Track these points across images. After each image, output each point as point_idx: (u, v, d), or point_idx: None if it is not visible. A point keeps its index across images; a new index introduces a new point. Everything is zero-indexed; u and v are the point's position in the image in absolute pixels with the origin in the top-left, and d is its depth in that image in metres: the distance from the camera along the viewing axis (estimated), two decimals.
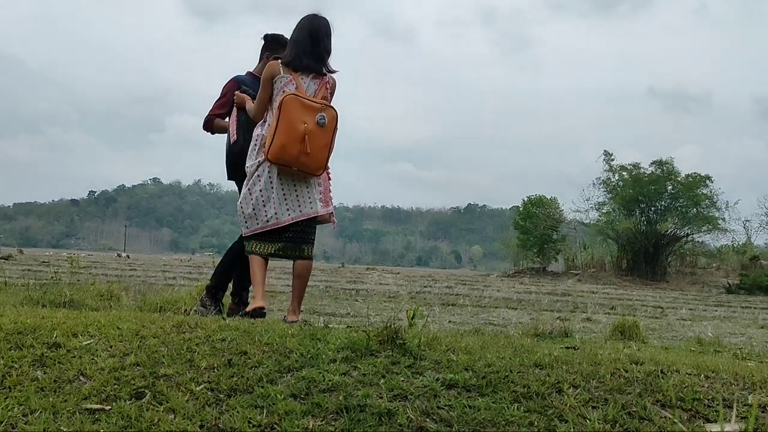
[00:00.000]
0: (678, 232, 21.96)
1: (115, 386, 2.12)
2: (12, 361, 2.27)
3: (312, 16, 3.62)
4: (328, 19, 3.65)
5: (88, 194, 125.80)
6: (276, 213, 3.54)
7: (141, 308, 4.69)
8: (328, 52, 3.62)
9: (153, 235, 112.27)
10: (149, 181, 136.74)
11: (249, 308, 3.59)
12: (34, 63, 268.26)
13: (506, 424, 2.01)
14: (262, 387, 2.15)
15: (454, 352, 2.56)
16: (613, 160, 23.14)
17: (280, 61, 3.60)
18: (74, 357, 2.33)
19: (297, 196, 3.56)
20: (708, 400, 2.24)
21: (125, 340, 2.51)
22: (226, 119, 4.02)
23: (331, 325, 3.38)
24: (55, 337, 2.47)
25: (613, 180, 23.04)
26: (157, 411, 1.99)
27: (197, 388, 2.13)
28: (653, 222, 22.01)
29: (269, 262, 3.71)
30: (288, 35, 3.72)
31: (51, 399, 2.03)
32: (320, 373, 2.25)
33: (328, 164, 3.76)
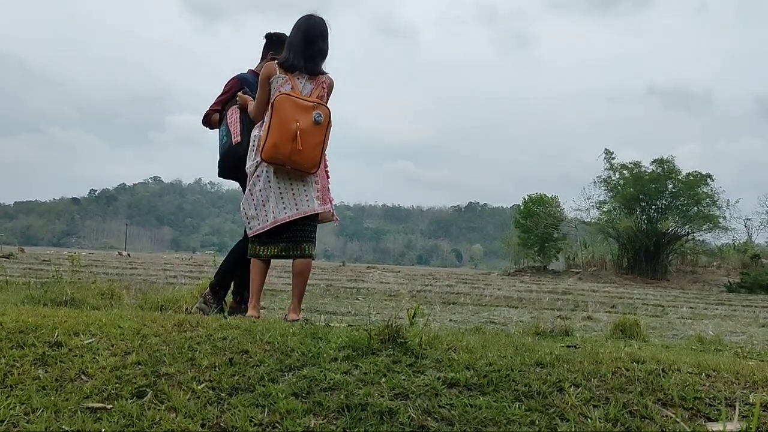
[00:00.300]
0: (679, 230, 21.94)
1: (117, 385, 2.12)
2: (14, 360, 2.27)
3: (307, 17, 3.64)
4: (325, 19, 3.66)
5: (89, 193, 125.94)
6: (274, 212, 3.56)
7: (142, 307, 4.70)
8: (322, 53, 3.64)
9: (154, 233, 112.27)
10: (150, 180, 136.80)
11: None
12: (34, 62, 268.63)
13: (507, 422, 2.01)
14: (264, 386, 2.15)
15: (456, 350, 2.56)
16: (613, 158, 23.14)
17: (276, 61, 3.62)
18: (76, 356, 2.33)
19: (294, 194, 3.58)
20: (709, 399, 2.24)
21: (127, 338, 2.51)
22: (227, 117, 4.03)
23: (332, 324, 3.39)
24: (57, 336, 2.47)
25: (613, 178, 23.03)
26: (159, 410, 1.99)
27: (199, 387, 2.13)
28: (654, 220, 21.99)
29: (270, 261, 3.72)
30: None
31: (53, 398, 2.03)
32: (321, 371, 2.26)
33: (327, 162, 3.78)
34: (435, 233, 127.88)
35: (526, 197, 25.59)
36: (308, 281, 3.78)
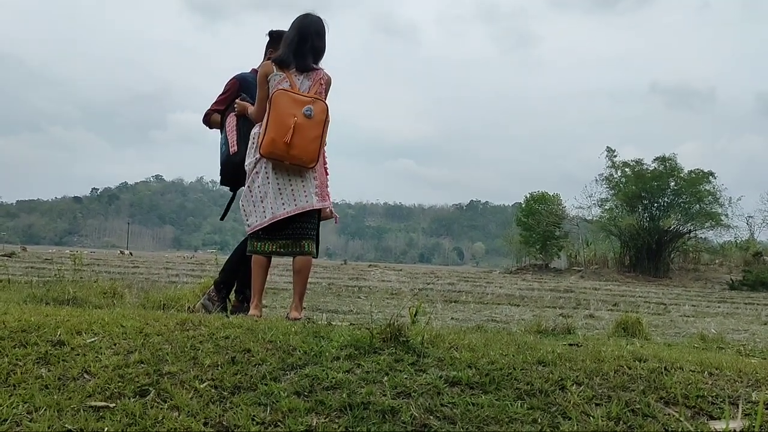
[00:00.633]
0: (681, 228, 21.91)
1: (119, 384, 2.12)
2: (16, 359, 2.27)
3: (303, 16, 3.69)
4: (322, 18, 3.70)
5: (91, 191, 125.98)
6: (272, 207, 3.57)
7: (144, 306, 4.71)
8: (317, 50, 3.67)
9: (156, 232, 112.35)
10: (152, 179, 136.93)
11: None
12: (35, 62, 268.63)
13: (510, 421, 2.01)
14: (266, 384, 2.15)
15: (457, 349, 2.56)
16: (615, 156, 23.12)
17: (271, 60, 3.66)
18: (78, 355, 2.33)
19: (292, 190, 3.60)
20: (712, 397, 2.24)
21: (129, 337, 2.51)
22: (226, 125, 4.06)
23: (334, 323, 3.39)
24: (59, 335, 2.47)
25: (615, 176, 23.01)
26: (161, 408, 1.99)
27: (201, 386, 2.13)
28: (656, 218, 21.96)
29: (271, 259, 3.72)
30: None
31: (55, 397, 2.03)
32: (324, 370, 2.26)
33: (326, 159, 3.79)
34: (437, 231, 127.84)
35: (528, 195, 25.60)
36: (310, 280, 3.79)
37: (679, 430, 1.99)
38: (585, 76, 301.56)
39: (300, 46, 3.61)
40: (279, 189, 3.59)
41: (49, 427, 1.87)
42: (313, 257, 3.70)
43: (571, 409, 2.08)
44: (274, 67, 3.61)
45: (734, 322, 8.74)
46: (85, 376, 2.19)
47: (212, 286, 4.20)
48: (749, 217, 23.52)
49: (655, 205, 22.46)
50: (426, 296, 10.48)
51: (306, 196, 3.61)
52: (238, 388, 2.14)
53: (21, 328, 2.54)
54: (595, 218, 23.29)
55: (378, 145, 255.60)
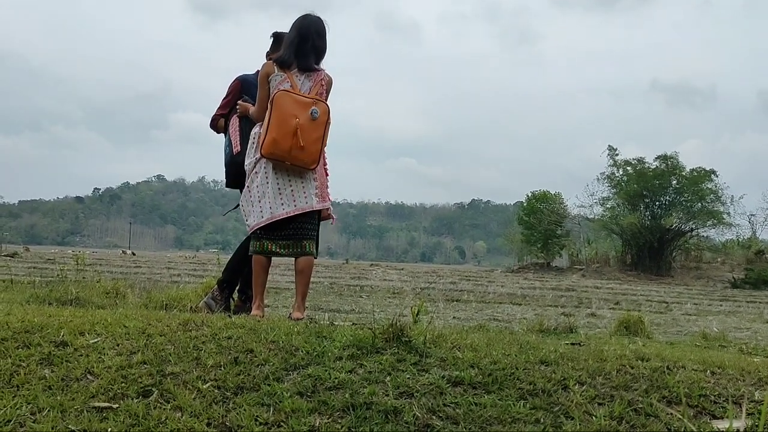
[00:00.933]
0: (683, 226, 21.88)
1: (123, 384, 2.13)
2: (20, 360, 2.28)
3: (303, 16, 3.70)
4: (323, 18, 3.71)
5: (93, 191, 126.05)
6: (271, 207, 3.58)
7: (146, 306, 4.71)
8: (318, 50, 3.67)
9: (157, 232, 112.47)
10: (153, 179, 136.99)
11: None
12: (37, 61, 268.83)
13: (512, 421, 2.01)
14: (269, 385, 2.16)
15: (460, 349, 2.56)
16: (617, 154, 23.09)
17: (272, 60, 3.66)
18: (81, 355, 2.34)
19: (292, 190, 3.60)
20: (715, 396, 2.24)
21: (132, 338, 2.51)
22: (229, 126, 4.07)
23: (336, 322, 3.39)
24: (62, 336, 2.48)
25: (617, 175, 22.98)
26: (165, 409, 2.00)
27: (204, 386, 2.14)
28: (658, 217, 21.93)
29: (272, 259, 3.73)
30: None
31: (59, 397, 2.04)
32: (326, 370, 2.26)
33: (326, 160, 3.79)
34: (438, 230, 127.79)
35: (530, 194, 25.59)
36: (312, 279, 3.79)
37: (682, 429, 1.99)
38: (586, 74, 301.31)
39: (301, 46, 3.61)
40: (279, 189, 3.59)
41: (52, 428, 1.88)
42: (314, 257, 3.71)
43: (573, 409, 2.08)
44: (275, 67, 3.61)
45: (736, 321, 8.73)
46: (89, 376, 2.19)
47: (215, 286, 4.21)
48: (751, 215, 23.50)
49: (657, 203, 22.44)
50: (428, 295, 10.48)
51: (306, 197, 3.62)
52: (241, 388, 2.14)
53: (24, 328, 2.54)
54: (596, 217, 23.28)
55: (379, 144, 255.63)
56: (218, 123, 4.15)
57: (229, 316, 3.33)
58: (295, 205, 3.59)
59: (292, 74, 3.60)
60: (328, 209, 3.84)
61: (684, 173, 22.01)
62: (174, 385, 2.13)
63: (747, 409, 2.13)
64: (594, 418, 2.04)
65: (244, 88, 4.07)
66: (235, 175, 3.96)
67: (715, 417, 2.11)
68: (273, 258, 3.72)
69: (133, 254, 22.33)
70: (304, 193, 3.62)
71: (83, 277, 6.54)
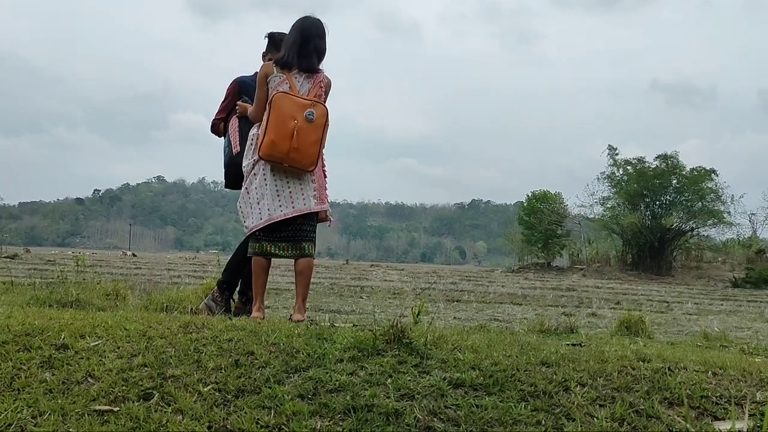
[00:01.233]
0: (683, 226, 21.90)
1: (123, 387, 2.13)
2: (20, 363, 2.28)
3: (304, 18, 3.70)
4: (323, 20, 3.72)
5: (93, 193, 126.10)
6: (269, 209, 3.57)
7: (147, 307, 4.70)
8: (319, 52, 3.68)
9: (157, 233, 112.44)
10: (153, 180, 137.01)
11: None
12: (37, 62, 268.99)
13: (514, 423, 2.01)
14: (270, 387, 2.15)
15: (461, 350, 2.56)
16: (617, 154, 23.12)
17: (272, 60, 3.66)
18: (82, 358, 2.33)
19: (290, 192, 3.60)
20: (716, 397, 2.24)
21: (132, 341, 2.51)
22: (229, 128, 4.07)
23: (336, 324, 3.39)
24: (63, 339, 2.47)
25: (617, 174, 23.01)
26: (165, 412, 1.99)
27: (205, 389, 2.13)
28: (658, 216, 21.95)
29: (272, 260, 3.73)
30: None
31: (60, 400, 2.04)
32: (327, 373, 2.26)
33: (324, 162, 3.79)
34: (438, 231, 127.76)
35: (530, 194, 25.61)
36: (312, 280, 3.79)
37: (684, 431, 1.99)
38: (586, 74, 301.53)
39: (303, 47, 3.61)
40: (277, 191, 3.59)
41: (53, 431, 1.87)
42: (313, 258, 3.71)
43: (574, 411, 2.08)
44: (275, 68, 3.61)
45: (737, 320, 8.73)
46: (89, 379, 2.19)
47: (215, 287, 4.21)
48: (752, 214, 23.53)
49: (657, 203, 22.46)
50: (428, 296, 10.48)
51: (304, 198, 3.61)
52: (241, 391, 2.14)
53: (25, 331, 2.54)
54: (597, 216, 23.30)
55: (379, 144, 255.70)
56: (219, 127, 4.16)
57: (229, 318, 3.33)
58: (293, 207, 3.59)
59: (291, 76, 3.59)
60: (326, 211, 3.83)
61: (684, 173, 22.04)
62: (175, 388, 2.13)
63: (749, 410, 2.13)
64: (595, 419, 2.04)
65: (241, 89, 4.08)
66: (235, 175, 3.96)
67: (716, 418, 2.11)
68: (273, 259, 3.72)
69: (134, 255, 22.34)
70: (303, 194, 3.62)
71: (83, 279, 6.53)
